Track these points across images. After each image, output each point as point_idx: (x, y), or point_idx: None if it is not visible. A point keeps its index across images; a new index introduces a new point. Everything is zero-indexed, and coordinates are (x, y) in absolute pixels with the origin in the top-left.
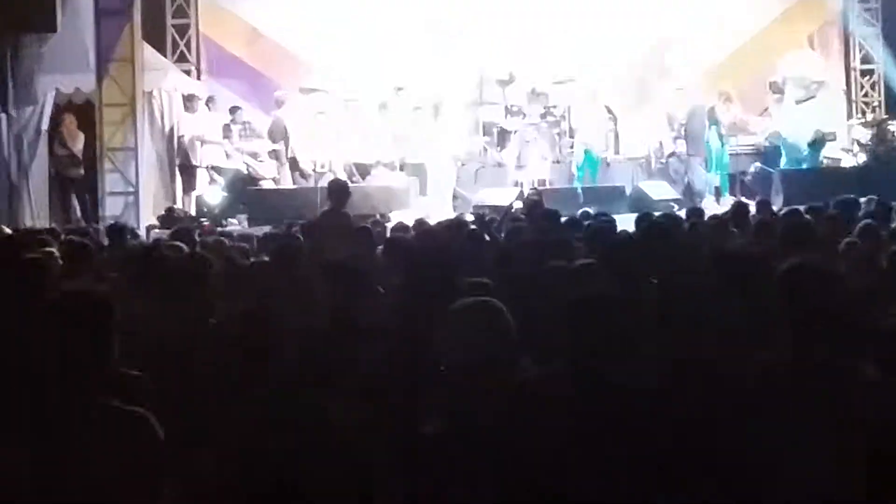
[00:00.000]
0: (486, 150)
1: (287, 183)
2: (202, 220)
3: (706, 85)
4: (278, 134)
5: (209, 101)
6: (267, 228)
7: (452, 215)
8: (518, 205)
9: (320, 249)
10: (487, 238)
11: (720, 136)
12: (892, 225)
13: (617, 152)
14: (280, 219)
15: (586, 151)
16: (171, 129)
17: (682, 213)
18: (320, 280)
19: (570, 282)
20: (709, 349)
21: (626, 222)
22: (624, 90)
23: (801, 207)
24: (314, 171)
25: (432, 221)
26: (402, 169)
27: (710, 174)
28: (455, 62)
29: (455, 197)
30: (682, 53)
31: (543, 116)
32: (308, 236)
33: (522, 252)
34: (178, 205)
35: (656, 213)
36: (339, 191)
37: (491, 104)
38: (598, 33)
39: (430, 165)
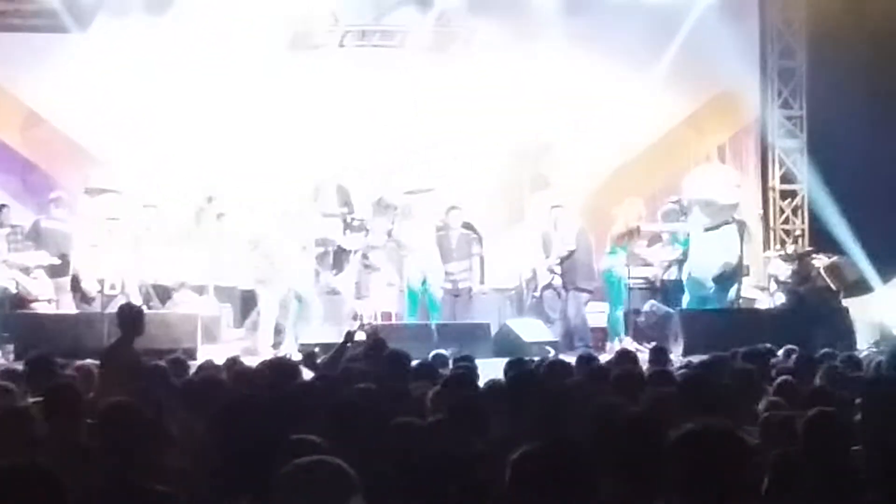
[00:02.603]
0: (317, 273)
1: (68, 307)
2: None
3: (594, 200)
4: (57, 244)
5: None
6: None
7: (273, 353)
8: (360, 337)
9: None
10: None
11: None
12: (816, 382)
13: (482, 282)
14: (56, 352)
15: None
16: None
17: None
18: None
19: (420, 443)
20: None
21: (491, 368)
22: (492, 205)
23: (705, 358)
24: (101, 292)
25: (249, 361)
26: (214, 294)
27: (615, 312)
28: (283, 164)
29: (278, 331)
30: (563, 161)
31: (390, 234)
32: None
33: (361, 405)
34: None
35: (531, 359)
36: (129, 319)
37: (327, 217)
38: (464, 134)
39: (246, 290)
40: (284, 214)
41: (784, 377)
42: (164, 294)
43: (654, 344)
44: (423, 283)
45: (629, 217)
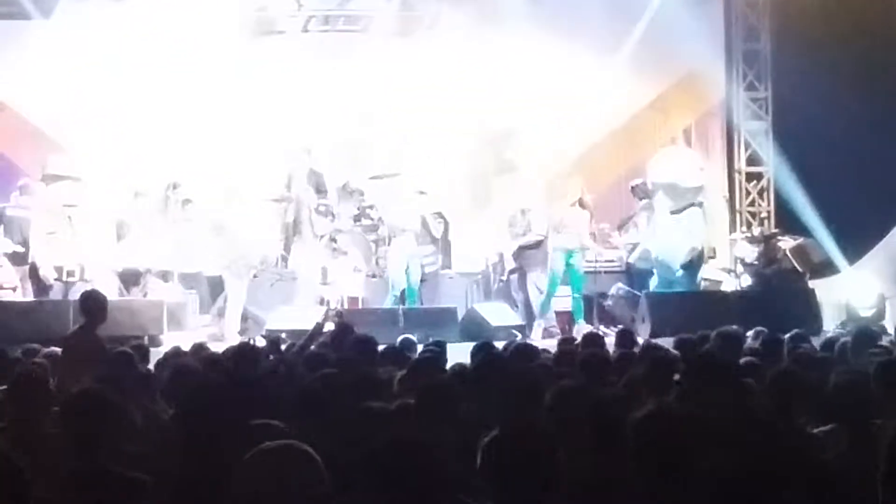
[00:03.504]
0: (284, 258)
1: (31, 294)
2: None
3: (559, 184)
4: (21, 231)
5: None
6: None
7: (240, 340)
8: (328, 327)
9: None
10: (284, 370)
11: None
12: (783, 365)
13: (448, 266)
14: (19, 339)
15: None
16: None
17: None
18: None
19: (387, 427)
20: None
21: (458, 352)
22: (458, 189)
23: (671, 340)
24: (59, 279)
25: (216, 347)
26: (179, 280)
27: (574, 295)
28: (248, 149)
29: (245, 317)
30: (529, 145)
31: (357, 219)
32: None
33: (327, 390)
34: None
35: (498, 343)
36: (93, 305)
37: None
38: (429, 119)
39: (213, 276)
40: (248, 199)
41: (749, 359)
42: (130, 280)
43: (620, 327)
44: (407, 269)
45: (571, 193)
